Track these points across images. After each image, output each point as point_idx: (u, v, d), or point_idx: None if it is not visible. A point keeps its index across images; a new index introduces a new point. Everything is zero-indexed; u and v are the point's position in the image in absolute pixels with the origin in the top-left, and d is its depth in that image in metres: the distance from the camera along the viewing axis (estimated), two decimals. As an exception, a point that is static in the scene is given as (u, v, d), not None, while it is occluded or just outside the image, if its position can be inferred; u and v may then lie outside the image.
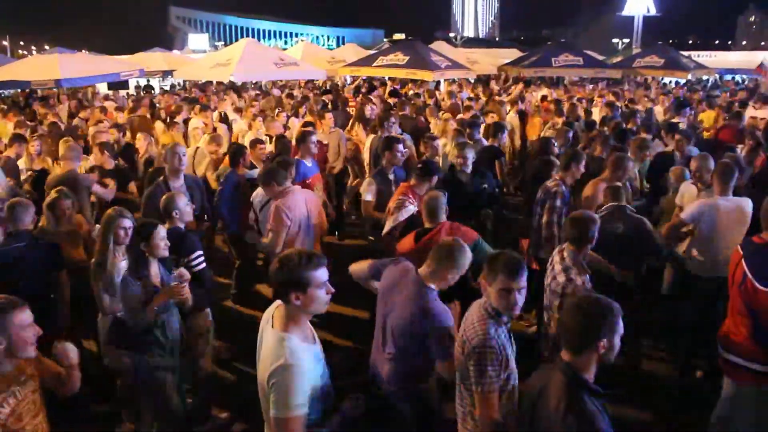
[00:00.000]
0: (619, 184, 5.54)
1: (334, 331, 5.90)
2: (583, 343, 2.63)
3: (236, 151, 7.17)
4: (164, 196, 5.25)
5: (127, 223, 4.65)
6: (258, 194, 6.28)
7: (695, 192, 5.92)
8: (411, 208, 5.57)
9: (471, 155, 6.66)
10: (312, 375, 2.86)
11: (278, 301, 3.01)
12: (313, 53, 22.79)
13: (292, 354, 2.78)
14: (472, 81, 20.78)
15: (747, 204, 5.22)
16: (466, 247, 3.72)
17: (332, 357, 3.15)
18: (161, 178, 6.42)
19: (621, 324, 2.62)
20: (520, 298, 3.19)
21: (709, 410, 4.47)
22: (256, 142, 7.93)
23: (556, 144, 8.03)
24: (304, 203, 5.84)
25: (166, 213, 5.09)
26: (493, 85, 19.58)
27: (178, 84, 24.00)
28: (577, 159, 6.04)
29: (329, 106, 12.97)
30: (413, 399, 3.78)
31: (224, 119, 12.10)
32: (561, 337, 2.74)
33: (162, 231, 4.36)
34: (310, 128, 8.82)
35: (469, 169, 6.58)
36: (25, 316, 2.98)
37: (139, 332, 4.20)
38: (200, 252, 5.06)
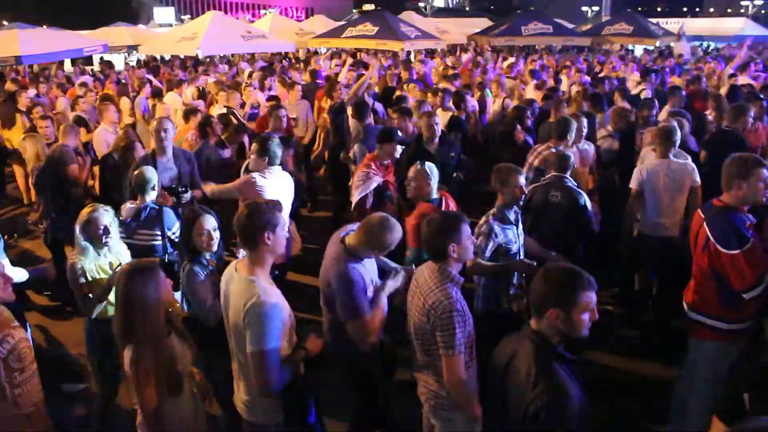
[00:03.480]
0: (565, 152, 5.53)
1: (305, 303, 5.85)
2: (540, 310, 2.64)
3: (204, 123, 7.07)
4: (135, 172, 5.19)
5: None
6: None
7: (654, 157, 6.05)
8: (376, 179, 5.58)
9: (438, 124, 6.66)
10: (281, 312, 3.09)
11: (236, 261, 3.32)
12: (281, 25, 22.49)
13: (264, 292, 3.04)
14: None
15: (687, 167, 5.51)
16: (396, 226, 3.75)
17: None
18: (150, 151, 6.28)
19: (585, 299, 2.56)
20: None
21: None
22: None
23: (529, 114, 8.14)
24: (281, 185, 5.51)
25: (138, 189, 5.05)
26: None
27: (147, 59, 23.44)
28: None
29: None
30: (349, 359, 3.95)
31: (202, 95, 11.93)
32: (530, 305, 2.75)
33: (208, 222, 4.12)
34: (275, 102, 8.79)
35: (436, 139, 6.58)
36: None
37: (213, 327, 3.83)
38: (179, 224, 5.04)
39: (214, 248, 4.15)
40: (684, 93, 9.12)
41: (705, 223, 3.95)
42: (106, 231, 4.25)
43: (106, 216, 4.27)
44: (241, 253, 3.49)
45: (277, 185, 5.37)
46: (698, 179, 5.53)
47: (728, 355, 4.00)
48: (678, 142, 5.66)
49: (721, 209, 3.92)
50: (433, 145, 6.50)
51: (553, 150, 5.98)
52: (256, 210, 3.14)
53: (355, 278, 3.67)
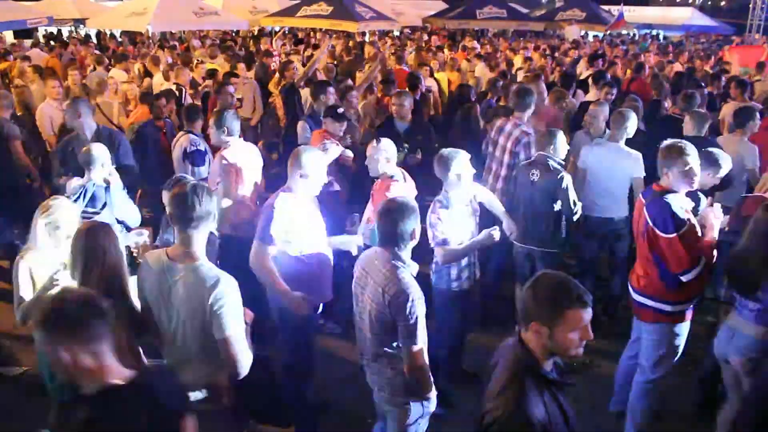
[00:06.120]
0: (551, 130, 5.48)
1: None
2: (525, 320, 2.48)
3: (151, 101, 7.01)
4: (83, 149, 5.07)
5: None
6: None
7: (587, 140, 6.21)
8: (334, 148, 5.56)
9: (408, 104, 6.66)
10: None
11: (161, 250, 3.16)
12: (234, 2, 21.95)
13: (224, 275, 2.98)
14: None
15: (628, 153, 5.56)
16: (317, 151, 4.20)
17: None
18: (74, 132, 6.10)
19: (572, 316, 2.35)
20: None
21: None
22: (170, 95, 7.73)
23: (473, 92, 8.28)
24: (247, 155, 5.47)
25: (85, 165, 4.93)
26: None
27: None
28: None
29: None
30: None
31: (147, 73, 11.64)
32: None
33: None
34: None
35: (408, 118, 6.59)
36: None
37: None
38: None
39: None
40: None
41: (644, 208, 4.07)
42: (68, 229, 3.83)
43: (73, 211, 3.97)
44: None
45: (246, 157, 5.37)
46: (641, 172, 5.47)
47: (671, 336, 4.14)
48: (629, 129, 5.64)
49: (658, 194, 4.01)
50: (403, 125, 6.52)
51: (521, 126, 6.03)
52: (201, 197, 2.97)
53: (272, 207, 3.94)
